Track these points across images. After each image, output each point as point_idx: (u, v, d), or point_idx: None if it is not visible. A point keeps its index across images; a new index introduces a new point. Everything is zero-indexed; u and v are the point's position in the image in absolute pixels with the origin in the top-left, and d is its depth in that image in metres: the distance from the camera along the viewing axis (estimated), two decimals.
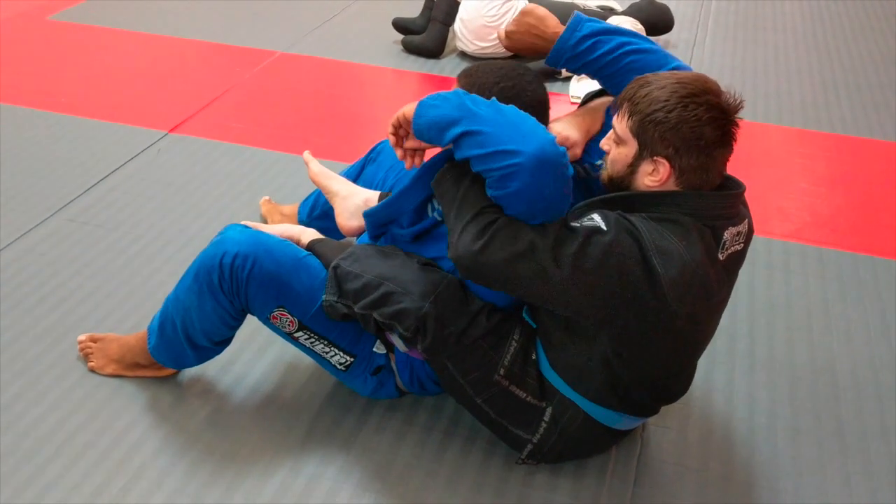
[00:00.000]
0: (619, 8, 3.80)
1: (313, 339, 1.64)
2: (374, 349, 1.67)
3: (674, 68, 1.59)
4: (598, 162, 1.65)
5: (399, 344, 1.62)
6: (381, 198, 1.81)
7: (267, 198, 2.46)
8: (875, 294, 2.27)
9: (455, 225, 1.39)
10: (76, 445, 1.70)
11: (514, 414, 1.56)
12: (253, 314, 1.65)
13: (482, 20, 3.46)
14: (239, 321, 1.69)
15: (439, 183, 1.48)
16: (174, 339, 1.71)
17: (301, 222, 2.26)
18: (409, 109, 1.45)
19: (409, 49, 3.65)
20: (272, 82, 3.33)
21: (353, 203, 1.82)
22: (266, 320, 1.64)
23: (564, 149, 1.34)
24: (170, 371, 1.85)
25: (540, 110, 1.61)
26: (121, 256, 2.27)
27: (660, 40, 3.84)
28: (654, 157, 1.38)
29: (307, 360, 1.90)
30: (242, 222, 1.71)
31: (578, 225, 1.36)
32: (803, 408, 1.89)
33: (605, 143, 1.48)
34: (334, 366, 1.68)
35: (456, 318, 1.49)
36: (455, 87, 1.60)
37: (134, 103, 3.10)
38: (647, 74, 1.43)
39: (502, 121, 1.33)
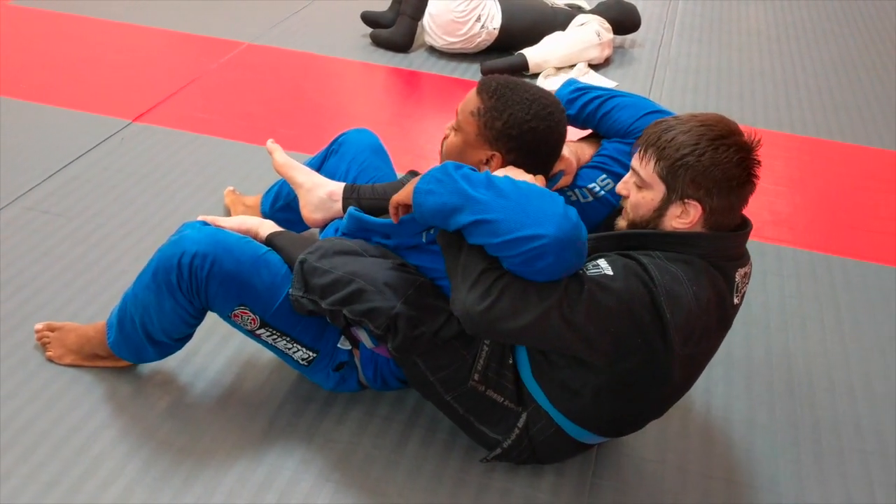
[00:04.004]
0: (587, 6, 3.83)
1: (275, 336, 1.63)
2: (339, 345, 1.67)
3: (651, 112, 1.67)
4: (591, 185, 1.68)
5: (366, 340, 1.61)
6: (345, 190, 1.81)
7: (231, 188, 2.44)
8: (830, 291, 2.32)
9: (461, 282, 1.35)
10: (32, 434, 1.68)
11: (483, 412, 1.56)
12: (214, 312, 1.64)
13: (451, 15, 3.47)
14: (199, 319, 1.67)
15: (441, 241, 1.46)
16: (133, 335, 1.70)
17: (264, 214, 2.24)
18: (403, 197, 1.42)
19: (378, 43, 3.64)
20: (238, 73, 3.31)
21: (317, 196, 1.82)
22: (227, 318, 1.62)
23: (578, 218, 1.29)
24: (129, 362, 1.83)
25: (560, 147, 1.62)
26: (80, 245, 2.24)
27: (626, 39, 3.88)
28: (685, 200, 1.38)
29: (268, 352, 1.89)
30: (199, 217, 1.70)
31: (585, 274, 1.34)
32: (758, 401, 1.92)
33: (623, 188, 1.47)
34: (296, 361, 1.67)
35: (428, 319, 1.48)
36: (476, 102, 1.56)
37: (97, 91, 3.06)
38: (667, 118, 1.43)
39: (509, 205, 1.28)
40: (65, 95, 3.01)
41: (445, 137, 1.64)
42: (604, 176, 1.69)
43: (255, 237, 1.71)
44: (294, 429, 1.74)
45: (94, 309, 2.02)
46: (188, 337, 1.73)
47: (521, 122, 1.53)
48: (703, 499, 1.67)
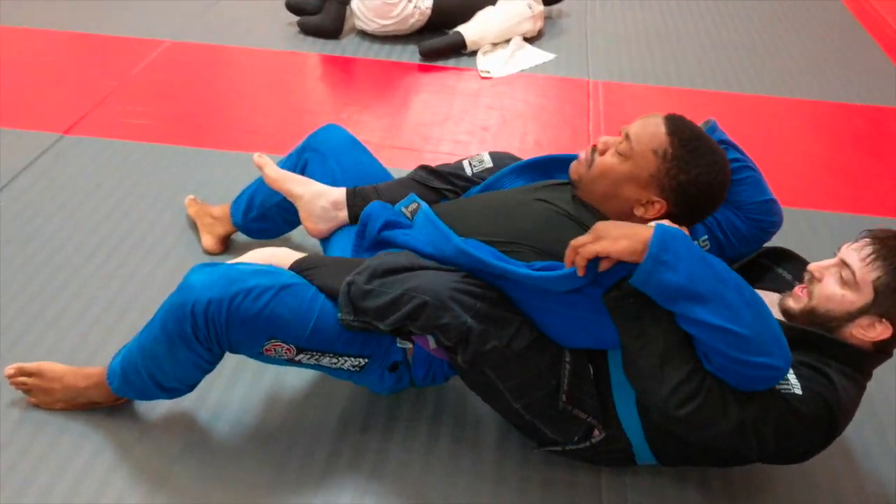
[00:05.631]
0: None
1: (317, 356, 1.51)
2: (398, 343, 1.56)
3: (771, 200, 1.70)
4: (702, 239, 1.64)
5: (430, 341, 1.52)
6: (349, 197, 1.71)
7: (192, 197, 2.29)
8: (798, 241, 2.39)
9: (662, 372, 1.29)
10: (35, 491, 1.53)
11: (554, 420, 1.50)
12: (240, 353, 1.51)
13: None
14: (215, 364, 1.55)
15: (620, 305, 1.35)
16: (140, 383, 1.57)
17: (236, 225, 2.11)
18: (611, 248, 1.29)
19: (306, 30, 3.50)
20: (167, 74, 3.11)
21: (319, 206, 1.71)
22: (258, 356, 1.50)
23: None
24: (124, 399, 1.69)
25: None
26: (40, 274, 2.06)
27: (553, 10, 3.87)
28: (882, 319, 1.37)
29: (269, 369, 1.79)
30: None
31: (777, 390, 1.31)
32: None
33: (819, 272, 1.43)
34: (346, 371, 1.57)
35: (499, 332, 1.39)
36: (664, 142, 1.45)
37: (16, 104, 2.81)
38: None
39: (758, 323, 1.24)
40: None
41: (599, 151, 1.52)
42: (706, 237, 1.66)
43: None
44: (315, 451, 1.65)
45: (68, 345, 1.85)
46: (199, 381, 1.61)
47: (704, 185, 1.46)
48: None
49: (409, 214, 1.60)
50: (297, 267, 1.54)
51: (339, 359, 1.53)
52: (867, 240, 1.41)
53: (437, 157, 2.72)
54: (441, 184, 1.79)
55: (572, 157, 1.60)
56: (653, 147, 1.46)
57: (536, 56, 3.47)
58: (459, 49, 3.40)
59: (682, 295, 1.25)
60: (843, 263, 1.41)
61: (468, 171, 1.79)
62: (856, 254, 1.40)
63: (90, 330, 1.89)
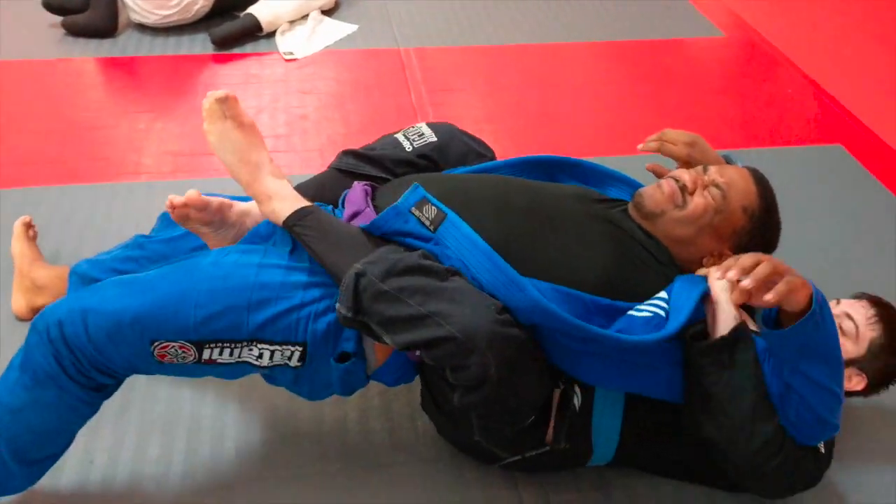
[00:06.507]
0: None
1: (231, 346, 1.23)
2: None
3: None
4: None
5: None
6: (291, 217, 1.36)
7: (27, 220, 1.85)
8: None
9: (752, 429, 1.24)
10: None
11: (509, 444, 1.37)
12: (137, 372, 1.29)
13: None
14: (97, 404, 1.31)
15: (713, 354, 1.26)
16: None
17: None
18: (796, 295, 1.18)
19: (75, 31, 3.06)
20: None
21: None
22: (156, 367, 1.26)
23: None
24: None
25: None
26: None
27: None
28: (863, 372, 1.49)
29: (161, 437, 1.52)
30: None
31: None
32: None
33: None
34: (284, 366, 1.26)
35: (516, 380, 1.20)
36: (755, 200, 1.39)
37: None
38: None
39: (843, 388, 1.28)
40: None
41: (690, 191, 1.37)
42: None
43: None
44: None
45: None
46: (69, 443, 1.34)
47: (768, 247, 1.43)
48: None
49: (428, 224, 1.27)
50: (295, 218, 1.28)
51: (260, 348, 1.24)
52: (865, 302, 1.53)
53: None
54: (375, 170, 1.50)
55: (574, 161, 1.56)
56: (743, 204, 1.39)
57: (339, 29, 3.25)
58: (255, 32, 3.12)
59: (816, 353, 1.22)
60: (848, 316, 1.50)
61: (407, 147, 1.52)
62: (862, 311, 1.50)
63: None
